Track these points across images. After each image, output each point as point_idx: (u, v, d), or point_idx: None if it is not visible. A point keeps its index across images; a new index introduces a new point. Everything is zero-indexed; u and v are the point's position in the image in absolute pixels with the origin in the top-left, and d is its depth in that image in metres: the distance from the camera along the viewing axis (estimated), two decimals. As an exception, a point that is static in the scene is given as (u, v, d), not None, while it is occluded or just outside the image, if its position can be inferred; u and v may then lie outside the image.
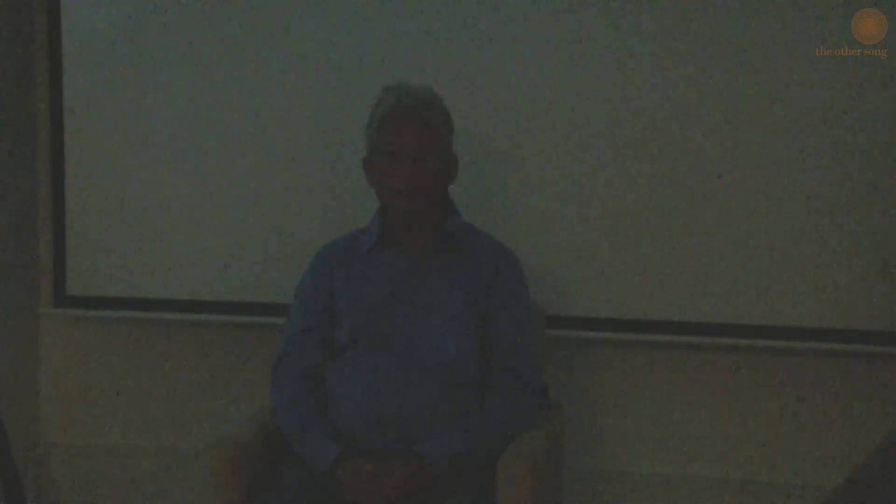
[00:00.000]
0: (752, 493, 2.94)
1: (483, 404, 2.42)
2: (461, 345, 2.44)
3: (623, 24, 2.85)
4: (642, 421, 3.00)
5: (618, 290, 2.92)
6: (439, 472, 2.29)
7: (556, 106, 2.90)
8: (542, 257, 2.90)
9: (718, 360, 2.95)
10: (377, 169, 2.51)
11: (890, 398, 2.87)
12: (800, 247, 2.82)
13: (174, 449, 3.24)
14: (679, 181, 2.86)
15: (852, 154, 2.78)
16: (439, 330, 2.44)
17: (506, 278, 2.53)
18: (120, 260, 3.15)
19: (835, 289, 2.82)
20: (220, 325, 3.16)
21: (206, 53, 3.05)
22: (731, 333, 2.88)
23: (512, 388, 2.45)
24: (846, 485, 1.67)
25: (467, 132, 2.68)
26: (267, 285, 3.05)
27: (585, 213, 2.91)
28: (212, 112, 3.06)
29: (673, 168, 2.86)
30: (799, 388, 2.92)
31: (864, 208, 2.79)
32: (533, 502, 2.27)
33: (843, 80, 2.77)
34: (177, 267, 3.13)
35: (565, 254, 2.93)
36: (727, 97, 2.82)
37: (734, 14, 2.80)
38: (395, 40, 2.96)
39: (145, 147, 3.11)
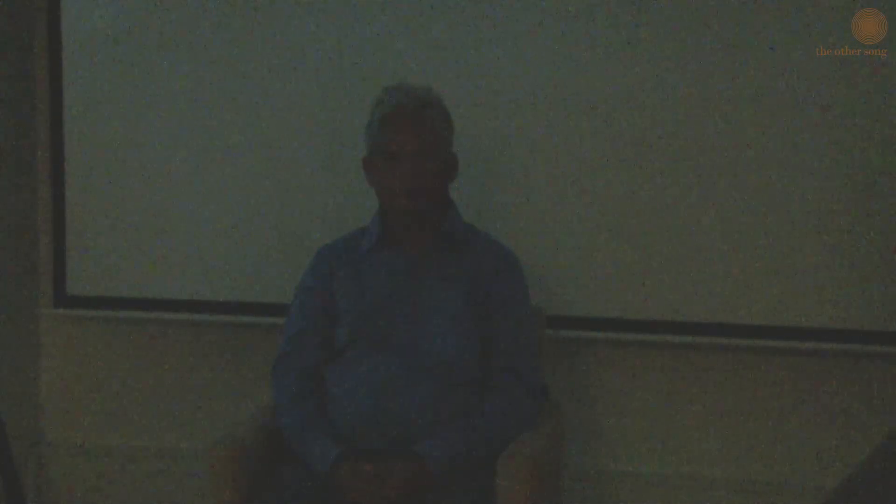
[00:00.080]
0: (752, 493, 2.94)
1: (483, 404, 2.42)
2: (461, 345, 2.44)
3: (623, 24, 2.85)
4: (642, 421, 3.00)
5: (618, 290, 2.92)
6: (439, 472, 2.29)
7: (556, 106, 2.90)
8: (542, 257, 2.90)
9: (718, 360, 2.95)
10: (377, 169, 2.51)
11: (890, 398, 2.87)
12: (800, 247, 2.82)
13: (174, 449, 3.24)
14: (679, 181, 2.86)
15: (852, 154, 2.78)
16: (439, 330, 2.44)
17: (506, 278, 2.53)
18: (120, 260, 3.15)
19: (835, 289, 2.82)
20: (220, 325, 3.16)
21: (206, 53, 3.05)
22: (731, 333, 2.88)
23: (512, 388, 2.45)
24: (846, 485, 1.67)
25: (467, 132, 2.68)
26: (267, 285, 3.05)
27: (585, 213, 2.91)
28: (212, 112, 3.06)
29: (673, 168, 2.86)
30: (799, 388, 2.92)
31: (864, 208, 2.79)
32: (533, 502, 2.27)
33: (843, 80, 2.77)
34: (177, 267, 3.13)
35: (565, 254, 2.93)
36: (727, 97, 2.82)
37: (734, 14, 2.80)
38: (395, 40, 2.96)
39: (145, 147, 3.11)
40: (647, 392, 2.99)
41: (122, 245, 3.14)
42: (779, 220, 2.82)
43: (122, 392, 3.27)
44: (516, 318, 2.51)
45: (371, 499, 2.26)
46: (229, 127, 3.06)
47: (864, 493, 1.63)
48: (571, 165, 2.91)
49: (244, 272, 3.09)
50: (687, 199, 2.86)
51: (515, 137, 2.93)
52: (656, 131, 2.86)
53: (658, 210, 2.87)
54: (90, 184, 3.16)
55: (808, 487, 2.89)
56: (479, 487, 2.31)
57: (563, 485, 2.69)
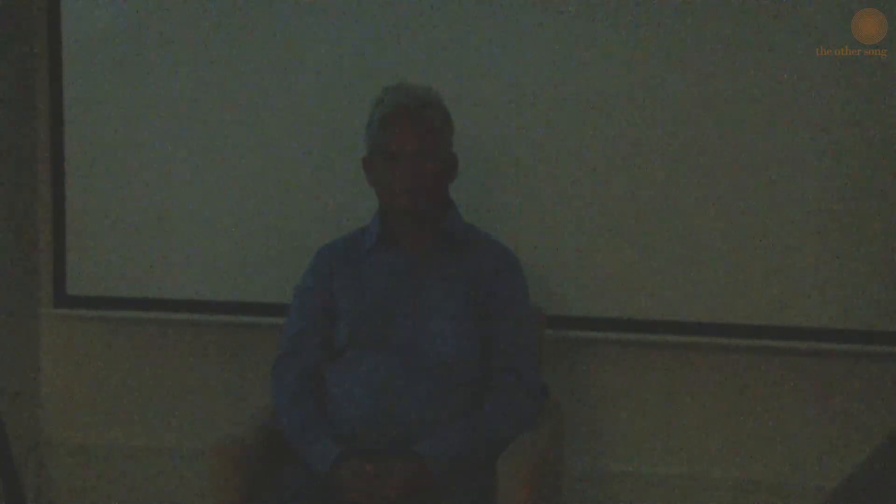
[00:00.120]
0: (752, 493, 2.95)
1: (483, 404, 2.42)
2: (461, 345, 2.44)
3: (623, 24, 2.85)
4: (642, 421, 3.00)
5: (618, 290, 2.92)
6: (439, 472, 2.29)
7: (556, 106, 2.90)
8: (542, 257, 2.90)
9: (718, 360, 2.95)
10: (377, 169, 2.51)
11: (890, 398, 2.87)
12: (799, 247, 2.82)
13: (174, 449, 3.24)
14: (679, 181, 2.86)
15: (852, 154, 2.79)
16: (439, 330, 2.44)
17: (506, 278, 2.53)
18: (120, 260, 3.15)
19: (835, 289, 2.82)
20: (220, 325, 3.16)
21: (206, 53, 3.05)
22: (731, 333, 2.89)
23: (512, 388, 2.44)
24: (846, 485, 1.67)
25: (467, 132, 2.68)
26: (267, 285, 3.05)
27: (585, 213, 2.91)
28: (212, 112, 3.06)
29: (673, 168, 2.86)
30: (799, 388, 2.92)
31: (864, 208, 2.79)
32: (533, 502, 2.27)
33: (843, 80, 2.77)
34: (177, 267, 3.13)
35: (565, 254, 2.93)
36: (727, 97, 2.82)
37: (734, 14, 2.80)
38: (395, 40, 2.96)
39: (145, 147, 3.11)
40: (647, 392, 2.99)
41: (122, 245, 3.14)
42: (778, 220, 2.83)
43: (122, 392, 3.27)
44: (516, 318, 2.50)
45: (371, 499, 2.26)
46: (229, 127, 3.06)
47: (864, 494, 1.63)
48: (571, 165, 2.91)
49: (244, 272, 3.09)
50: (687, 200, 2.86)
51: (515, 137, 2.93)
52: (656, 131, 2.86)
53: (658, 210, 2.87)
54: (90, 184, 3.16)
55: (808, 487, 2.89)
56: (479, 487, 2.31)
57: (563, 485, 2.69)
